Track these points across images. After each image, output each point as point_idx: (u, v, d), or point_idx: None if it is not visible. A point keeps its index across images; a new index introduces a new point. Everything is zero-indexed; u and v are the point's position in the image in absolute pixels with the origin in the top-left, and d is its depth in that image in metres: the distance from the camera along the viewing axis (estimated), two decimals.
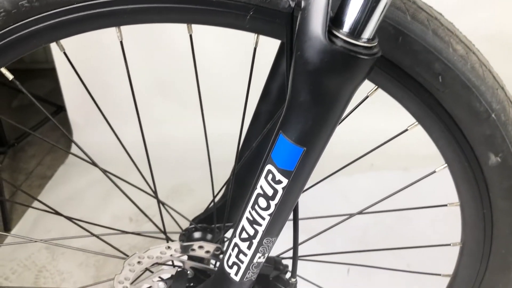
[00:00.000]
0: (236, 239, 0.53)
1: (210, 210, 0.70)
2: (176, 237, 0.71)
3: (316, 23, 0.39)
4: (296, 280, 0.62)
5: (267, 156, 0.47)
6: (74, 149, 1.67)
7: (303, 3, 0.40)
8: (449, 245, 0.66)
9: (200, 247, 0.64)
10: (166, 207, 0.70)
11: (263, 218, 0.50)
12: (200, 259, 0.66)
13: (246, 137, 0.67)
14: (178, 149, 1.65)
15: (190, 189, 1.52)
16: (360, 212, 0.69)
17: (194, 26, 0.51)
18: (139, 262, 0.64)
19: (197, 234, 0.69)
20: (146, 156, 0.66)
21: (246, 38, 0.83)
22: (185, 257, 0.66)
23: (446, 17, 0.51)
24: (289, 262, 0.65)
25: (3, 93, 1.97)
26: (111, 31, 0.52)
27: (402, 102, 0.54)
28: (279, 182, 0.47)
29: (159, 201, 0.68)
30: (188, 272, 0.66)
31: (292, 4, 0.45)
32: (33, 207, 0.66)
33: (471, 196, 0.58)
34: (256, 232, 0.51)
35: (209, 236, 0.69)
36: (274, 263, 0.64)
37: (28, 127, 1.70)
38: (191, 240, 0.67)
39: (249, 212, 0.50)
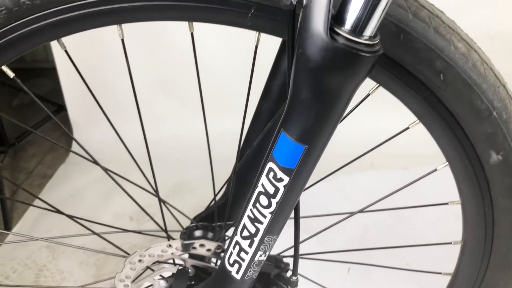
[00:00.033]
0: (237, 237, 0.53)
1: (211, 209, 0.70)
2: (177, 235, 0.71)
3: (318, 21, 0.39)
4: (297, 278, 0.62)
5: (268, 154, 0.47)
6: (74, 148, 1.67)
7: (304, 1, 0.40)
8: (450, 243, 0.66)
9: (201, 245, 0.64)
10: (167, 205, 0.70)
11: (265, 216, 0.50)
12: (201, 258, 0.66)
13: (247, 135, 0.67)
14: (179, 148, 1.65)
15: (191, 188, 1.52)
16: (361, 211, 0.69)
17: (195, 24, 0.51)
18: (140, 260, 0.64)
19: (198, 233, 0.69)
20: (147, 155, 0.66)
21: (247, 36, 0.83)
22: (186, 256, 0.66)
23: (447, 15, 0.51)
24: (290, 261, 0.65)
25: (4, 92, 1.97)
26: (112, 30, 0.52)
27: (403, 100, 0.54)
28: (281, 180, 0.47)
29: (160, 199, 0.68)
30: (189, 270, 0.66)
31: (294, 1, 0.45)
32: (34, 206, 0.66)
33: (472, 194, 0.58)
34: (258, 230, 0.51)
35: (210, 235, 0.69)
36: (275, 261, 0.64)
37: (29, 126, 1.70)
38: (192, 239, 0.67)
39: (250, 210, 0.50)
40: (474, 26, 0.66)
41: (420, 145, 1.40)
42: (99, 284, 1.05)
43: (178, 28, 1.49)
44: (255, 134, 0.66)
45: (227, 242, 0.56)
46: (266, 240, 0.52)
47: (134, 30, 0.54)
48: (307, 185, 0.50)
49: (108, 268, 1.24)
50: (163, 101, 1.70)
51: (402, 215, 1.32)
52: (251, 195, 0.50)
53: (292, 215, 0.53)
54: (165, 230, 0.69)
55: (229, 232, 0.66)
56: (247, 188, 0.58)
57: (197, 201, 1.44)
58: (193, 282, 0.67)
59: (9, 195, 1.49)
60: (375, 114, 1.54)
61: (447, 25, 0.49)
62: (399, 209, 0.71)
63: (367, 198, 0.70)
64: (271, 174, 0.47)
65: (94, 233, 0.68)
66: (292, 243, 0.58)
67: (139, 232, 0.72)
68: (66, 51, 0.54)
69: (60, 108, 1.73)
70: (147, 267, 0.67)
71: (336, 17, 0.40)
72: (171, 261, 0.68)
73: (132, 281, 0.66)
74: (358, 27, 0.39)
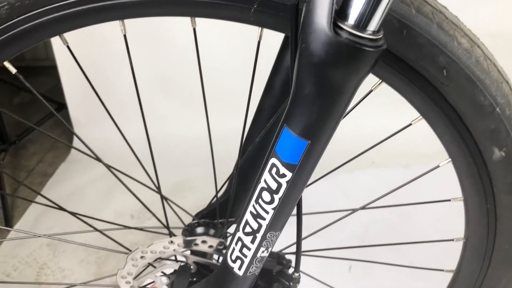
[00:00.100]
0: (240, 233, 0.53)
1: (213, 206, 0.70)
2: (178, 232, 0.70)
3: (321, 15, 0.39)
4: (299, 275, 0.62)
5: (271, 149, 0.47)
6: (75, 145, 1.67)
7: None
8: (453, 240, 0.66)
9: (203, 241, 0.64)
10: (169, 202, 0.70)
11: (267, 212, 0.50)
12: (203, 254, 0.66)
13: (249, 132, 0.67)
14: (180, 146, 1.65)
15: (192, 186, 1.52)
16: (363, 207, 0.69)
17: (197, 20, 0.51)
18: (142, 257, 0.64)
19: (200, 229, 0.69)
20: (148, 153, 0.66)
21: (248, 33, 0.83)
22: (188, 252, 0.66)
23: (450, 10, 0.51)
24: (292, 257, 0.65)
25: (4, 91, 1.97)
26: (112, 27, 0.52)
27: (406, 96, 0.54)
28: (283, 175, 0.47)
29: (162, 196, 0.68)
30: (191, 267, 0.66)
31: None
32: (36, 202, 0.66)
33: (474, 191, 0.58)
34: (260, 226, 0.51)
35: (211, 232, 0.69)
36: (277, 258, 0.64)
37: (29, 124, 1.70)
38: (194, 235, 0.66)
39: (253, 206, 0.50)
40: (476, 24, 0.66)
41: (422, 143, 1.40)
42: (101, 281, 1.05)
43: (178, 26, 1.49)
44: (257, 130, 0.65)
45: (229, 238, 0.56)
46: (268, 236, 0.52)
47: (134, 28, 0.54)
48: (308, 182, 0.50)
49: (109, 266, 1.24)
50: (163, 98, 1.70)
51: (404, 213, 1.32)
52: (254, 191, 0.50)
53: (295, 211, 0.53)
54: (167, 227, 0.69)
55: (231, 229, 0.66)
56: (249, 185, 0.57)
57: (198, 200, 1.44)
58: (195, 279, 0.66)
59: (10, 193, 1.49)
60: (376, 113, 1.55)
61: (450, 20, 0.48)
62: (402, 205, 0.71)
63: (368, 197, 0.70)
64: (274, 169, 0.47)
65: (96, 229, 0.68)
66: (294, 240, 0.58)
67: (141, 229, 0.72)
68: (68, 47, 0.53)
69: (60, 106, 1.73)
70: (149, 264, 0.67)
71: (340, 12, 0.40)
72: (173, 257, 0.68)
73: (134, 278, 0.66)
74: (362, 22, 0.39)
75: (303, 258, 0.62)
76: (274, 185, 0.48)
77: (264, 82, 0.64)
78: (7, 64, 0.52)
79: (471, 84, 0.49)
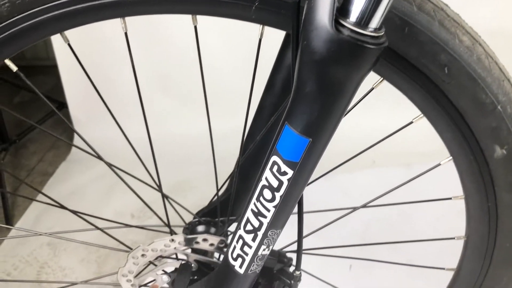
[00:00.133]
0: (241, 231, 0.53)
1: (214, 204, 0.70)
2: (179, 231, 0.70)
3: (323, 12, 0.39)
4: (300, 273, 0.62)
5: (272, 147, 0.47)
6: (76, 144, 1.67)
7: None
8: (453, 238, 0.66)
9: (204, 240, 0.64)
10: (170, 200, 0.70)
11: (268, 210, 0.50)
12: (204, 252, 0.66)
13: (250, 130, 0.67)
14: (180, 145, 1.65)
15: (192, 186, 1.52)
16: (364, 206, 0.69)
17: (198, 18, 0.51)
18: (143, 255, 0.64)
19: (200, 228, 0.69)
20: (148, 152, 0.66)
21: (248, 31, 0.82)
22: (189, 250, 0.66)
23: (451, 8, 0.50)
24: (292, 256, 0.65)
25: (5, 90, 1.97)
26: (112, 26, 0.52)
27: (407, 94, 0.54)
28: (285, 173, 0.47)
29: (163, 194, 0.68)
30: (192, 265, 0.66)
31: None
32: (37, 200, 0.66)
33: (475, 189, 0.58)
34: (261, 224, 0.51)
35: (212, 230, 0.69)
36: (278, 256, 0.64)
37: (29, 124, 1.70)
38: (195, 234, 0.66)
39: (254, 204, 0.50)
40: (477, 22, 0.66)
41: (422, 143, 1.40)
42: (102, 279, 1.05)
43: (178, 24, 1.49)
44: (258, 128, 0.65)
45: (230, 236, 0.56)
46: (269, 234, 0.52)
47: (134, 26, 0.54)
48: (309, 181, 0.50)
49: (109, 265, 1.24)
50: (163, 97, 1.70)
51: (404, 212, 1.32)
52: (255, 189, 0.50)
53: (296, 210, 0.53)
54: (168, 225, 0.69)
55: (232, 228, 0.66)
56: (249, 183, 0.57)
57: (198, 199, 1.44)
58: (196, 277, 0.66)
59: (11, 192, 1.49)
60: (376, 113, 1.54)
61: (452, 18, 0.48)
62: (402, 204, 0.71)
63: (369, 196, 0.70)
64: (275, 167, 0.47)
65: (97, 228, 0.68)
66: (295, 239, 0.58)
67: (142, 227, 0.72)
68: (69, 45, 0.53)
69: (61, 105, 1.73)
70: (150, 262, 0.67)
71: (341, 9, 0.40)
72: (174, 256, 0.68)
73: (135, 276, 0.66)
74: (363, 19, 0.39)
75: (303, 257, 0.62)
76: (275, 183, 0.48)
77: (265, 80, 0.64)
78: (8, 62, 0.52)
79: (473, 82, 0.49)
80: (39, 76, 2.03)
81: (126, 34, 0.53)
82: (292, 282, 0.64)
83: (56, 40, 1.58)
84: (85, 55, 1.55)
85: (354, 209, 0.70)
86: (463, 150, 0.55)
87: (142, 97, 0.62)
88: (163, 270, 0.67)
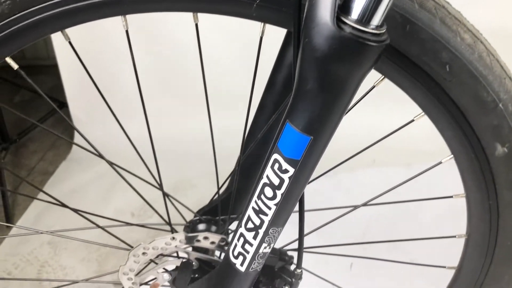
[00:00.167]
0: (242, 229, 0.53)
1: (215, 202, 0.70)
2: (180, 229, 0.70)
3: (324, 10, 0.39)
4: (301, 271, 0.62)
5: (273, 145, 0.47)
6: (77, 143, 1.67)
7: None
8: (455, 237, 0.66)
9: (205, 238, 0.64)
10: (171, 198, 0.70)
11: (269, 208, 0.50)
12: (205, 251, 0.66)
13: (251, 128, 0.67)
14: (180, 144, 1.65)
15: (192, 184, 1.52)
16: (365, 204, 0.69)
17: (199, 16, 0.51)
18: (144, 253, 0.64)
19: (201, 226, 0.69)
20: (148, 150, 0.66)
21: (249, 30, 0.82)
22: (190, 248, 0.66)
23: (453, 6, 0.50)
24: (293, 254, 0.65)
25: (5, 89, 1.97)
26: (113, 24, 0.52)
27: (408, 92, 0.53)
28: (286, 171, 0.47)
29: (163, 193, 0.68)
30: (193, 263, 0.66)
31: None
32: (38, 199, 0.66)
33: (477, 187, 0.58)
34: (262, 222, 0.51)
35: (213, 228, 0.69)
36: (280, 254, 0.64)
37: (29, 123, 1.70)
38: (196, 232, 0.66)
39: (255, 202, 0.50)
40: (478, 20, 0.66)
41: (423, 142, 1.40)
42: (102, 278, 1.05)
43: (179, 22, 1.49)
44: (259, 127, 0.65)
45: (231, 234, 0.56)
46: (270, 232, 0.51)
47: (133, 24, 0.54)
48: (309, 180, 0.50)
49: (110, 264, 1.24)
50: (163, 96, 1.69)
51: (405, 210, 1.32)
52: (256, 187, 0.50)
53: (297, 208, 0.53)
54: (169, 223, 0.69)
55: (232, 226, 0.66)
56: (250, 182, 0.57)
57: (198, 199, 1.44)
58: (197, 275, 0.66)
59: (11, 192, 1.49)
60: (377, 113, 1.54)
61: (453, 15, 0.48)
62: (404, 202, 0.71)
63: (370, 195, 0.70)
64: (276, 165, 0.47)
65: (98, 226, 0.68)
66: (295, 238, 0.58)
67: (142, 226, 0.72)
68: (70, 42, 0.53)
69: (61, 104, 1.73)
70: (151, 260, 0.67)
71: (343, 6, 0.40)
72: (175, 254, 0.68)
73: (136, 274, 0.66)
74: (365, 16, 0.39)
75: (304, 255, 0.62)
76: (276, 181, 0.48)
77: (266, 78, 0.64)
78: (9, 60, 0.52)
79: (474, 79, 0.49)
80: (39, 76, 2.03)
81: (127, 32, 0.53)
82: (293, 280, 0.64)
83: (57, 39, 1.58)
84: (86, 53, 1.55)
85: (355, 207, 0.70)
86: (464, 148, 0.55)
87: (143, 95, 0.62)
88: (164, 268, 0.67)
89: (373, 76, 0.49)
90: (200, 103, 0.62)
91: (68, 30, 0.51)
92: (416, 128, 0.65)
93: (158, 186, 0.68)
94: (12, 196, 1.45)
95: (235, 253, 0.54)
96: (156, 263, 0.67)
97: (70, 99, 1.71)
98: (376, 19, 0.39)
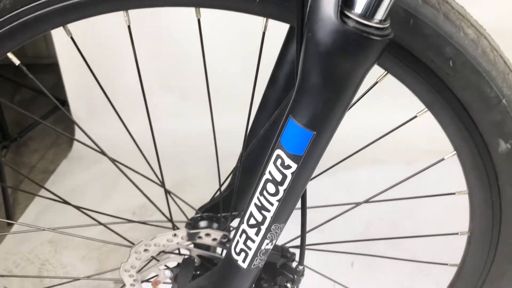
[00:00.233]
0: (244, 226, 0.52)
1: (216, 199, 0.70)
2: (182, 226, 0.70)
3: (328, 4, 0.38)
4: (303, 268, 0.62)
5: (276, 141, 0.47)
6: (78, 142, 1.66)
7: None
8: (457, 234, 0.66)
9: (207, 234, 0.64)
10: (172, 195, 0.70)
11: (272, 204, 0.49)
12: (206, 248, 0.66)
13: (253, 125, 0.67)
14: (182, 142, 1.65)
15: (194, 182, 1.51)
16: (367, 201, 0.69)
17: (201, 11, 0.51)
18: (145, 250, 0.64)
19: (203, 223, 0.69)
20: (150, 148, 0.66)
21: (250, 28, 0.82)
22: (191, 245, 0.66)
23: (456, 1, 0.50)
24: (295, 251, 0.65)
25: (5, 87, 1.97)
26: (114, 22, 0.52)
27: (411, 87, 0.53)
28: (288, 167, 0.47)
29: (165, 190, 0.68)
30: (195, 260, 0.66)
31: None
32: (40, 196, 0.66)
33: (479, 184, 0.58)
34: (264, 218, 0.51)
35: (215, 225, 0.69)
36: (281, 251, 0.64)
37: (30, 122, 1.70)
38: (198, 229, 0.66)
39: (258, 198, 0.50)
40: (481, 15, 0.66)
41: (424, 140, 1.40)
42: (103, 275, 1.05)
43: (181, 17, 1.48)
44: (261, 123, 0.65)
45: (233, 231, 0.56)
46: (273, 229, 0.51)
47: (134, 22, 0.54)
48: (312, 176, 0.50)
49: (111, 262, 1.23)
50: (165, 93, 1.69)
51: (407, 208, 1.32)
52: (258, 183, 0.50)
53: (299, 205, 0.53)
54: (171, 220, 0.69)
55: (234, 223, 0.66)
56: (252, 179, 0.57)
57: (198, 198, 1.44)
58: (198, 272, 0.66)
59: (12, 190, 1.48)
60: (377, 113, 1.54)
61: (457, 11, 0.48)
62: (406, 199, 0.71)
63: (371, 193, 0.70)
64: (279, 161, 0.47)
65: (100, 223, 0.68)
66: (297, 235, 0.58)
67: (144, 223, 0.72)
68: (72, 38, 0.53)
69: (61, 103, 1.72)
70: (152, 257, 0.67)
71: (346, 1, 0.39)
72: (176, 251, 0.68)
73: (137, 271, 0.65)
74: (369, 11, 0.39)
75: (306, 252, 0.61)
76: (279, 177, 0.48)
77: (268, 75, 0.64)
78: (10, 55, 0.52)
79: (477, 75, 0.49)
80: (39, 75, 2.01)
81: (129, 27, 0.53)
82: (295, 277, 0.64)
83: (57, 37, 1.58)
84: (87, 50, 1.55)
85: (357, 204, 0.70)
86: (467, 144, 0.55)
87: (140, 96, 0.61)
88: (165, 265, 0.67)
89: (376, 72, 0.49)
90: (203, 99, 0.61)
91: (69, 27, 0.51)
92: (418, 126, 0.65)
93: (159, 183, 0.67)
94: (13, 195, 1.45)
95: (237, 250, 0.54)
96: (158, 260, 0.67)
97: (71, 98, 1.71)
98: (380, 13, 0.39)
